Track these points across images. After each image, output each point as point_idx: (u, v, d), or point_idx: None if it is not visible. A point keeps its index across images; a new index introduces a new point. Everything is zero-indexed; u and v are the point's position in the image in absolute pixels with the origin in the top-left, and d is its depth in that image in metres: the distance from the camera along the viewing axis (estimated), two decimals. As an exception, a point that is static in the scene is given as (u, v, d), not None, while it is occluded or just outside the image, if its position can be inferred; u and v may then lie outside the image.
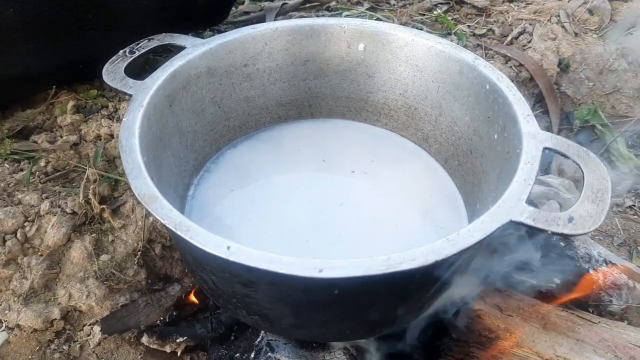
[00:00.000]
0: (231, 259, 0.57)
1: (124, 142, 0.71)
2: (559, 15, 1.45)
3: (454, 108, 0.92)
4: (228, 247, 0.58)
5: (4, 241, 0.87)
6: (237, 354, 0.86)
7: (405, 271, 0.56)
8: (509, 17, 1.46)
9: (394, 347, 0.81)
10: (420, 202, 0.93)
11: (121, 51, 0.89)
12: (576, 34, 1.40)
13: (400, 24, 1.45)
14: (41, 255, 0.88)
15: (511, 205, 0.63)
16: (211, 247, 0.58)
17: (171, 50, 0.92)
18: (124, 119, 0.75)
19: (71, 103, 1.13)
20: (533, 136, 0.72)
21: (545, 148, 0.71)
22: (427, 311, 0.74)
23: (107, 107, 1.15)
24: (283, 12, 1.51)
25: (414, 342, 0.82)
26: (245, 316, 0.74)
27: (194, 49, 0.90)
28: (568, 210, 0.63)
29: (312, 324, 0.73)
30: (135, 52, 0.90)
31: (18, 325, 0.87)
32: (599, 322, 0.83)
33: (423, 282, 0.66)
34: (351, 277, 0.55)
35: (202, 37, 1.41)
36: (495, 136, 0.82)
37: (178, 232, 0.60)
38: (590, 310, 0.94)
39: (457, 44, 1.38)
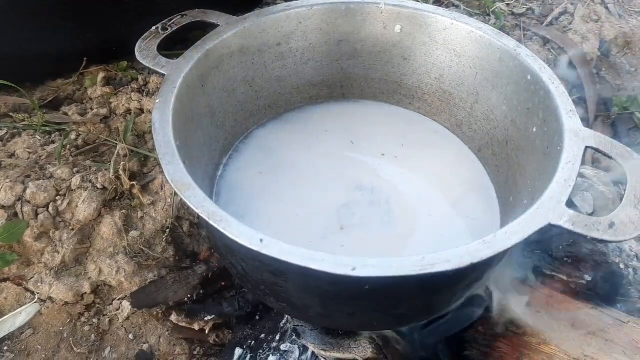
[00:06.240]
0: (264, 252, 0.57)
1: (158, 125, 0.71)
2: (602, -5, 1.39)
3: (492, 96, 0.89)
4: (261, 240, 0.57)
5: (37, 214, 0.89)
6: (262, 335, 0.87)
7: (438, 272, 0.56)
8: (549, -4, 1.41)
9: (420, 337, 0.82)
10: (450, 190, 0.91)
11: (154, 27, 0.88)
12: (620, 16, 1.35)
13: (436, -1, 1.41)
14: (72, 229, 0.89)
15: (550, 208, 0.61)
16: (244, 239, 0.58)
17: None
18: (157, 100, 0.74)
19: (101, 75, 1.13)
20: (575, 133, 0.70)
21: (587, 147, 0.69)
22: (456, 304, 0.74)
23: (137, 79, 1.14)
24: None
25: (439, 332, 0.82)
26: (273, 302, 0.74)
27: (228, 28, 0.88)
28: (609, 215, 0.61)
29: (340, 314, 0.73)
30: (167, 29, 0.88)
31: (50, 298, 0.89)
32: (629, 322, 0.82)
33: (455, 280, 0.65)
34: (384, 276, 0.55)
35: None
36: (534, 129, 0.79)
37: (211, 222, 0.60)
38: (619, 305, 0.93)
39: (495, 23, 1.34)
